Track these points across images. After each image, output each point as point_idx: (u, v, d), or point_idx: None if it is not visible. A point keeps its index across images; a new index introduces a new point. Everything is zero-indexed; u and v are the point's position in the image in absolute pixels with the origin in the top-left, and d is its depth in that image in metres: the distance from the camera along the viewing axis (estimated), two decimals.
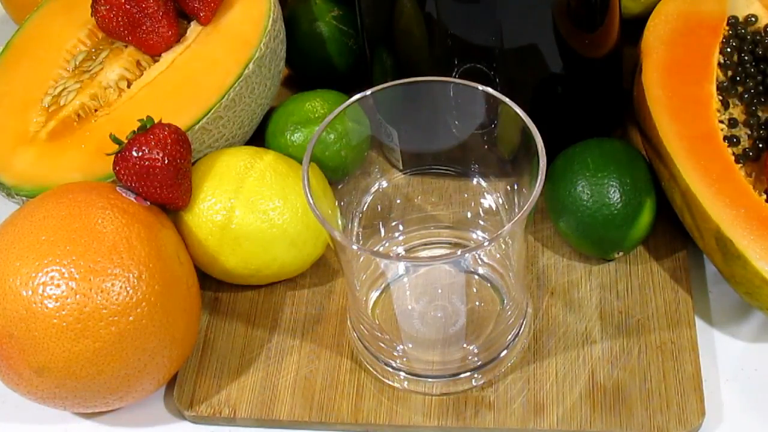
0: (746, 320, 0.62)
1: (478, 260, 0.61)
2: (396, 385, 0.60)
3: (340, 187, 0.62)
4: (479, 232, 0.63)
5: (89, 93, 0.67)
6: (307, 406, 0.60)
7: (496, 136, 0.59)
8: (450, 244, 0.64)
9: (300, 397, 0.60)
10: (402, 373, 0.60)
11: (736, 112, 0.64)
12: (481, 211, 0.63)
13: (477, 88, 0.57)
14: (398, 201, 0.65)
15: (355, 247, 0.55)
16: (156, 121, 0.60)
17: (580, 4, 0.63)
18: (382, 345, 0.60)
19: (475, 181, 0.63)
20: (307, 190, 0.53)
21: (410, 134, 0.63)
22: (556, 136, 0.60)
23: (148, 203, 0.60)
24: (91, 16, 0.68)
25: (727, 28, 0.66)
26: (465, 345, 0.60)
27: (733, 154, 0.61)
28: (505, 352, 0.60)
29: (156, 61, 0.68)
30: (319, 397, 0.60)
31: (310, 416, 0.59)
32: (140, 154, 0.59)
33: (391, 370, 0.60)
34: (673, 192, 0.62)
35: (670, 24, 0.67)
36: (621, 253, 0.63)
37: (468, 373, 0.59)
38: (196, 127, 0.64)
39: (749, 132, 0.63)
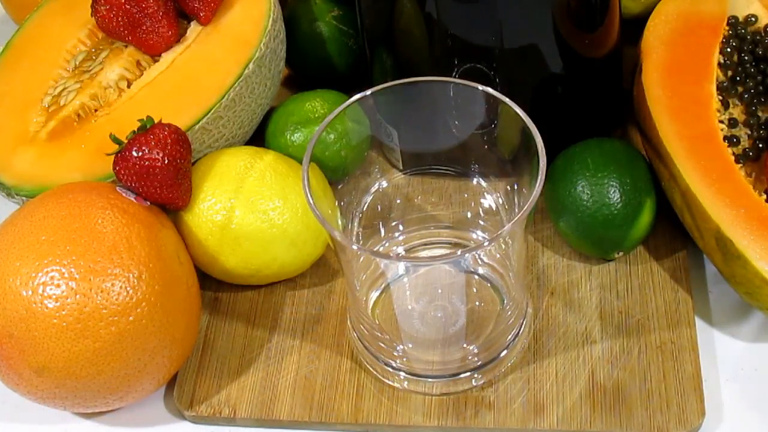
0: (746, 320, 0.62)
1: (478, 260, 0.61)
2: (396, 385, 0.60)
3: (340, 187, 0.62)
4: (479, 232, 0.63)
5: (89, 93, 0.67)
6: (307, 406, 0.60)
7: (496, 136, 0.59)
8: (450, 244, 0.64)
9: (300, 397, 0.60)
10: (402, 373, 0.60)
11: (736, 112, 0.64)
12: (481, 211, 0.63)
13: (477, 88, 0.57)
14: (398, 201, 0.65)
15: (355, 247, 0.55)
16: (156, 121, 0.60)
17: (580, 4, 0.63)
18: (382, 345, 0.60)
19: (475, 181, 0.63)
20: (307, 190, 0.53)
21: (410, 134, 0.63)
22: (556, 136, 0.60)
23: (148, 203, 0.60)
24: (91, 16, 0.68)
25: (727, 28, 0.66)
26: (465, 345, 0.60)
27: (733, 154, 0.61)
28: (505, 352, 0.60)
29: (156, 61, 0.68)
30: (319, 397, 0.60)
31: (310, 416, 0.59)
32: (140, 154, 0.59)
33: (391, 370, 0.60)
34: (673, 192, 0.62)
35: (670, 24, 0.67)
36: (621, 253, 0.63)
37: (468, 373, 0.59)
38: (196, 127, 0.64)
39: (749, 132, 0.63)
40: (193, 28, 0.69)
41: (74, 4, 0.71)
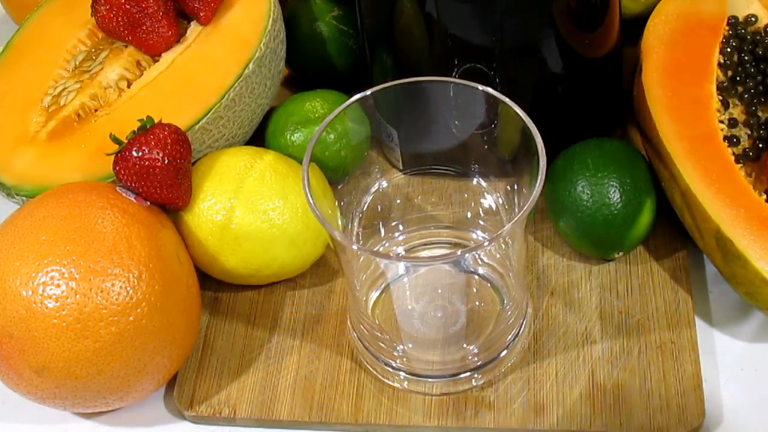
0: (746, 320, 0.62)
1: (478, 260, 0.61)
2: (396, 385, 0.60)
3: (340, 187, 0.62)
4: (479, 232, 0.63)
5: (89, 93, 0.67)
6: (307, 406, 0.60)
7: (496, 136, 0.59)
8: (450, 244, 0.64)
9: (300, 397, 0.60)
10: (402, 373, 0.60)
11: (736, 112, 0.64)
12: (481, 211, 0.63)
13: (477, 88, 0.57)
14: (398, 201, 0.65)
15: (355, 247, 0.55)
16: (156, 121, 0.60)
17: (580, 4, 0.63)
18: (382, 345, 0.60)
19: (475, 181, 0.63)
20: (307, 190, 0.53)
21: (410, 134, 0.63)
22: (556, 136, 0.60)
23: (148, 203, 0.60)
24: (91, 16, 0.68)
25: (727, 28, 0.66)
26: (465, 345, 0.60)
27: (733, 154, 0.61)
28: (505, 352, 0.60)
29: (156, 61, 0.68)
30: (319, 397, 0.60)
31: (310, 416, 0.59)
32: (140, 154, 0.59)
33: (391, 370, 0.60)
34: (673, 192, 0.62)
35: (670, 24, 0.67)
36: (621, 253, 0.63)
37: (468, 373, 0.59)
38: (196, 127, 0.64)
39: (749, 132, 0.63)
40: (193, 28, 0.69)
41: (74, 4, 0.71)
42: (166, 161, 0.59)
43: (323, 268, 0.66)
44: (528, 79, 0.65)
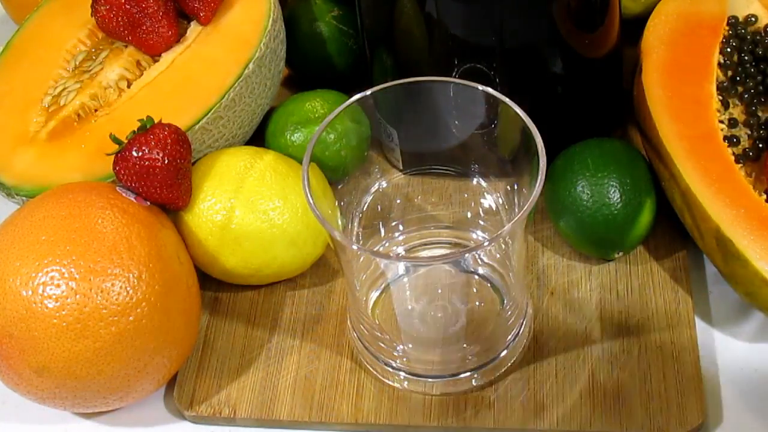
0: (746, 320, 0.62)
1: (478, 260, 0.61)
2: (396, 385, 0.60)
3: (340, 187, 0.62)
4: (479, 232, 0.63)
5: (89, 93, 0.67)
6: (307, 406, 0.60)
7: (496, 136, 0.59)
8: (450, 244, 0.64)
9: (300, 397, 0.60)
10: (402, 373, 0.60)
11: (736, 112, 0.64)
12: (481, 211, 0.63)
13: (477, 88, 0.57)
14: (398, 201, 0.65)
15: (355, 247, 0.55)
16: (156, 121, 0.60)
17: (580, 4, 0.63)
18: (382, 345, 0.60)
19: (475, 181, 0.63)
20: (307, 190, 0.53)
21: (410, 134, 0.63)
22: (556, 136, 0.60)
23: (148, 203, 0.60)
24: (91, 16, 0.68)
25: (727, 28, 0.66)
26: (465, 345, 0.60)
27: (733, 154, 0.61)
28: (505, 352, 0.60)
29: (156, 61, 0.68)
30: (319, 397, 0.60)
31: (310, 416, 0.59)
32: (140, 154, 0.59)
33: (391, 370, 0.60)
34: (673, 192, 0.62)
35: (670, 24, 0.67)
36: (621, 253, 0.63)
37: (468, 373, 0.59)
38: (196, 127, 0.64)
39: (749, 132, 0.63)
40: (193, 28, 0.69)
41: (74, 4, 0.71)
42: (166, 161, 0.59)
43: (323, 268, 0.66)
44: (528, 79, 0.65)
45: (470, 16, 0.61)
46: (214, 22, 0.69)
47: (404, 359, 0.60)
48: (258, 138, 0.69)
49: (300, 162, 0.59)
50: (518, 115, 0.55)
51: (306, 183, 0.54)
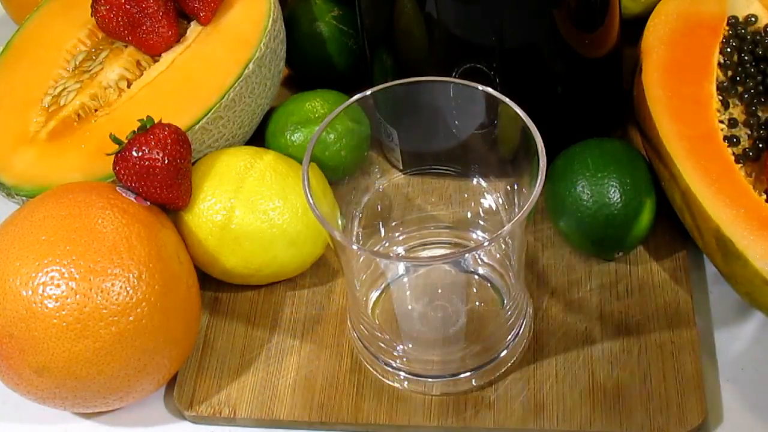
0: (746, 320, 0.62)
1: (478, 260, 0.61)
2: (396, 385, 0.60)
3: (340, 187, 0.62)
4: (479, 232, 0.63)
5: (89, 93, 0.67)
6: (307, 406, 0.60)
7: (496, 136, 0.59)
8: (450, 244, 0.64)
9: (300, 397, 0.60)
10: (402, 373, 0.60)
11: (736, 112, 0.64)
12: (481, 211, 0.63)
13: (477, 88, 0.57)
14: (398, 201, 0.65)
15: (355, 247, 0.55)
16: (156, 121, 0.60)
17: (580, 4, 0.63)
18: (382, 345, 0.60)
19: (475, 181, 0.63)
20: (307, 190, 0.53)
21: (410, 134, 0.63)
22: (556, 136, 0.60)
23: (148, 203, 0.60)
24: (91, 16, 0.68)
25: (727, 28, 0.66)
26: (465, 345, 0.60)
27: (733, 154, 0.61)
28: (505, 352, 0.60)
29: (156, 61, 0.68)
30: (319, 397, 0.60)
31: (310, 416, 0.59)
32: (140, 154, 0.59)
33: (391, 370, 0.60)
34: (673, 192, 0.62)
35: (670, 24, 0.67)
36: (621, 253, 0.63)
37: (468, 373, 0.59)
38: (196, 127, 0.64)
39: (749, 132, 0.63)
40: (193, 28, 0.69)
41: (74, 4, 0.71)
42: (166, 161, 0.59)
43: (323, 268, 0.66)
44: (528, 79, 0.65)
45: (470, 16, 0.61)
46: (214, 22, 0.69)
47: (404, 359, 0.60)
48: (258, 138, 0.69)
49: (300, 162, 0.59)
50: (518, 115, 0.55)
51: (306, 183, 0.54)
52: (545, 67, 0.65)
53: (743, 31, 0.66)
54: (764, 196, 0.60)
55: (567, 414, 0.58)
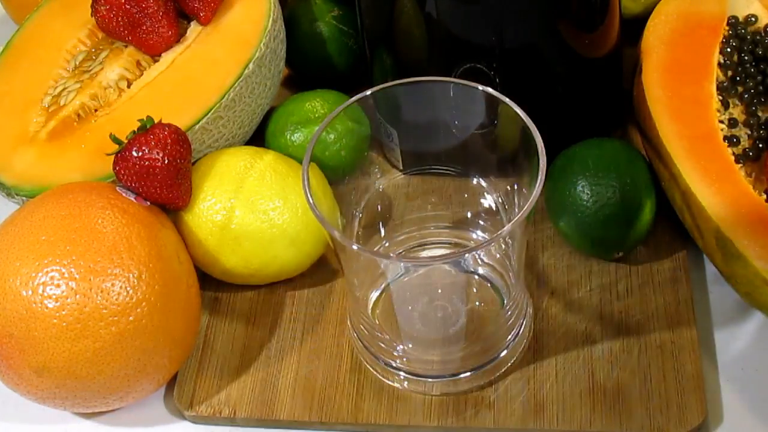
0: (746, 320, 0.62)
1: (478, 260, 0.61)
2: (396, 385, 0.60)
3: (340, 187, 0.62)
4: (479, 232, 0.63)
5: (89, 93, 0.67)
6: (307, 406, 0.60)
7: (496, 136, 0.59)
8: (450, 244, 0.64)
9: (300, 397, 0.60)
10: (402, 373, 0.60)
11: (736, 112, 0.64)
12: (481, 211, 0.63)
13: (477, 88, 0.57)
14: (398, 201, 0.65)
15: (355, 247, 0.55)
16: (156, 121, 0.60)
17: (580, 4, 0.63)
18: (382, 345, 0.60)
19: (475, 181, 0.63)
20: (307, 190, 0.53)
21: (410, 134, 0.63)
22: (556, 136, 0.60)
23: (148, 203, 0.60)
24: (91, 16, 0.68)
25: (727, 28, 0.66)
26: (465, 345, 0.60)
27: (733, 154, 0.61)
28: (505, 352, 0.60)
29: (156, 61, 0.68)
30: (319, 397, 0.60)
31: (310, 416, 0.59)
32: (140, 154, 0.59)
33: (391, 370, 0.60)
34: (673, 192, 0.62)
35: (670, 24, 0.67)
36: (621, 253, 0.63)
37: (468, 373, 0.59)
38: (196, 127, 0.64)
39: (749, 132, 0.63)
40: (193, 28, 0.69)
41: (74, 4, 0.71)
42: (166, 161, 0.59)
43: (323, 268, 0.66)
44: (528, 79, 0.65)
45: (470, 16, 0.61)
46: (214, 22, 0.69)
47: (404, 359, 0.60)
48: (258, 138, 0.69)
49: (300, 162, 0.59)
50: (518, 115, 0.55)
51: (306, 183, 0.54)
52: (545, 67, 0.65)
53: (743, 31, 0.66)
54: (764, 196, 0.60)
55: (567, 414, 0.58)
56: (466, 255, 0.61)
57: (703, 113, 0.62)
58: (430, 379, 0.59)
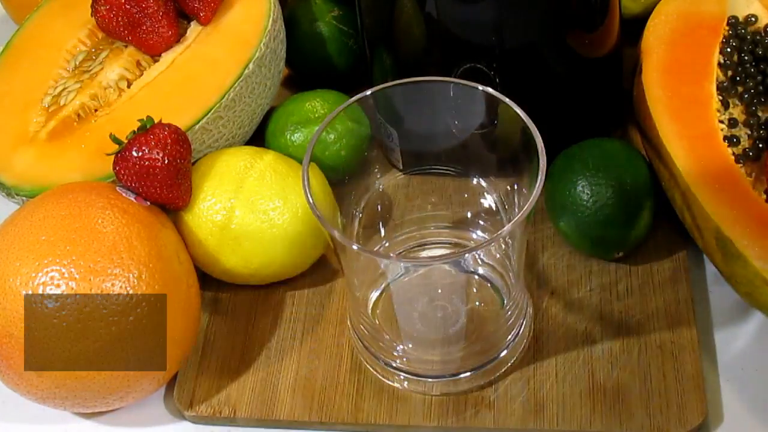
0: (746, 320, 0.62)
1: (478, 260, 0.61)
2: (396, 385, 0.60)
3: (340, 187, 0.62)
4: (479, 232, 0.63)
5: (89, 93, 0.67)
6: (307, 406, 0.60)
7: (496, 136, 0.59)
8: (450, 244, 0.64)
9: (300, 397, 0.60)
10: (402, 373, 0.60)
11: (736, 112, 0.64)
12: (481, 211, 0.63)
13: (477, 88, 0.57)
14: (398, 201, 0.65)
15: (355, 247, 0.55)
16: (156, 121, 0.60)
17: (580, 4, 0.63)
18: (382, 345, 0.60)
19: (475, 181, 0.63)
20: (307, 190, 0.53)
21: (410, 134, 0.63)
22: (556, 136, 0.60)
23: (148, 203, 0.60)
24: (91, 16, 0.68)
25: (727, 28, 0.66)
26: (465, 345, 0.60)
27: (733, 154, 0.61)
28: (505, 352, 0.60)
29: (156, 61, 0.68)
30: (319, 397, 0.60)
31: (310, 416, 0.59)
32: (140, 154, 0.59)
33: (391, 370, 0.60)
34: (673, 192, 0.62)
35: (670, 24, 0.67)
36: (621, 253, 0.63)
37: (468, 373, 0.59)
38: (196, 127, 0.64)
39: (749, 132, 0.63)
40: (193, 28, 0.69)
41: (74, 4, 0.71)
42: (166, 161, 0.59)
43: (323, 268, 0.66)
44: (528, 79, 0.65)
45: (470, 16, 0.61)
46: (214, 22, 0.69)
47: (404, 359, 0.60)
48: (258, 138, 0.69)
49: (300, 162, 0.59)
50: (518, 115, 0.55)
51: (306, 183, 0.54)
52: (545, 67, 0.65)
53: (743, 31, 0.66)
54: (764, 196, 0.60)
55: (567, 414, 0.58)
56: (466, 255, 0.61)
57: (703, 113, 0.62)
58: (430, 379, 0.59)
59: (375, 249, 0.63)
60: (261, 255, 0.62)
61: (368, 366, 0.61)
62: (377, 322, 0.61)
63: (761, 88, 0.64)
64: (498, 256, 0.60)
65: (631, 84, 0.68)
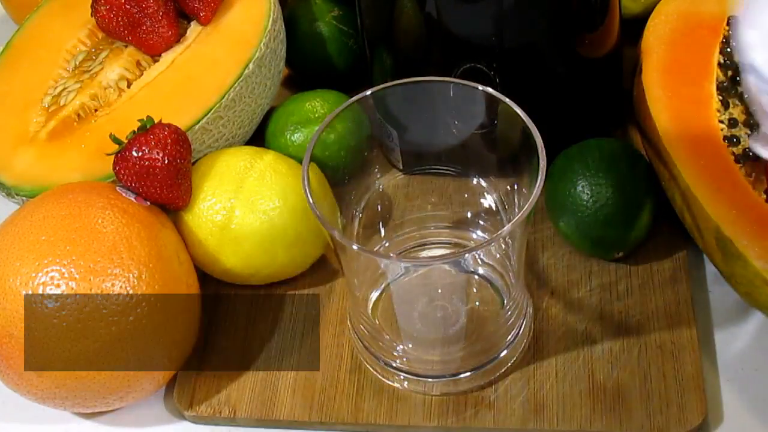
0: (746, 320, 0.62)
1: (478, 260, 0.61)
2: (396, 385, 0.60)
3: (340, 187, 0.62)
4: (479, 232, 0.63)
5: (89, 93, 0.67)
6: (307, 406, 0.60)
7: (496, 136, 0.59)
8: (450, 244, 0.64)
9: (300, 397, 0.60)
10: (402, 373, 0.60)
11: (736, 112, 0.64)
12: (481, 211, 0.63)
13: (477, 88, 0.57)
14: (398, 201, 0.65)
15: (355, 247, 0.55)
16: (156, 121, 0.60)
17: (580, 4, 0.63)
18: (382, 345, 0.60)
19: (475, 181, 0.63)
20: (307, 190, 0.53)
21: (410, 134, 0.63)
22: (556, 136, 0.60)
23: (148, 203, 0.60)
24: (91, 16, 0.68)
25: (727, 28, 0.66)
26: (465, 345, 0.60)
27: (733, 154, 0.61)
28: (505, 352, 0.60)
29: (156, 61, 0.68)
30: (319, 397, 0.60)
31: (310, 416, 0.59)
32: (140, 154, 0.59)
33: (391, 370, 0.60)
34: (673, 192, 0.62)
35: (670, 24, 0.67)
36: (621, 253, 0.63)
37: (468, 373, 0.59)
38: (196, 127, 0.64)
39: (749, 132, 0.63)
40: (193, 28, 0.69)
41: (74, 4, 0.71)
42: (166, 161, 0.59)
43: (323, 268, 0.66)
44: (528, 79, 0.65)
45: (470, 16, 0.61)
46: (214, 22, 0.69)
47: (404, 359, 0.60)
48: (258, 138, 0.69)
49: (300, 162, 0.59)
50: (518, 115, 0.55)
51: (306, 183, 0.54)
52: (545, 67, 0.65)
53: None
54: (764, 196, 0.60)
55: (567, 414, 0.58)
56: (466, 255, 0.61)
57: (703, 113, 0.62)
58: (430, 379, 0.59)
59: (375, 249, 0.63)
60: (261, 255, 0.62)
61: (368, 366, 0.61)
62: (377, 322, 0.61)
63: None
64: (498, 256, 0.60)
65: (631, 84, 0.68)
